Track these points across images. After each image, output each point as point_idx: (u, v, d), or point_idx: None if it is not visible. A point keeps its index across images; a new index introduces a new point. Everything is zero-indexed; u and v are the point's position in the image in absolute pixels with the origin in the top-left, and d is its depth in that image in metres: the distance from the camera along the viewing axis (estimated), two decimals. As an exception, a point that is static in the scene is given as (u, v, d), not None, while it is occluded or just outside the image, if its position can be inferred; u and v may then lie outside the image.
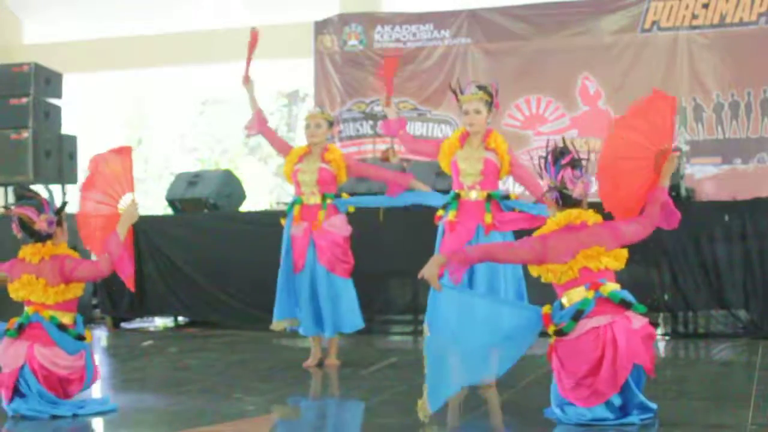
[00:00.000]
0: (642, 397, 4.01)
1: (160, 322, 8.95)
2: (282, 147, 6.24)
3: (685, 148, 10.16)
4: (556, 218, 4.14)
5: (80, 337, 4.52)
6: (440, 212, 5.34)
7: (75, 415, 4.46)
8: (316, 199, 6.00)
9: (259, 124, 6.15)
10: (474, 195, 5.21)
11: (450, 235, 5.22)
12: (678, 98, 10.58)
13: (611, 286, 4.04)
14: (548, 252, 4.06)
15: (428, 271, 3.98)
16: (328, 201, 6.00)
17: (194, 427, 4.23)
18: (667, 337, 7.22)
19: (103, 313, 8.81)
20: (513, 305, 4.54)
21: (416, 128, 11.54)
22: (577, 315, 4.00)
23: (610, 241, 4.08)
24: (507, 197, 5.27)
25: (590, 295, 4.01)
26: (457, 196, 5.25)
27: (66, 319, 4.52)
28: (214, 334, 7.94)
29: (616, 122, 4.32)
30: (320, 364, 6.08)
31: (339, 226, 6.00)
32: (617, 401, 3.98)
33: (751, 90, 10.43)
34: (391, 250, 7.32)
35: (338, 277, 5.97)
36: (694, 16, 10.63)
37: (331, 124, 6.14)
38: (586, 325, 3.98)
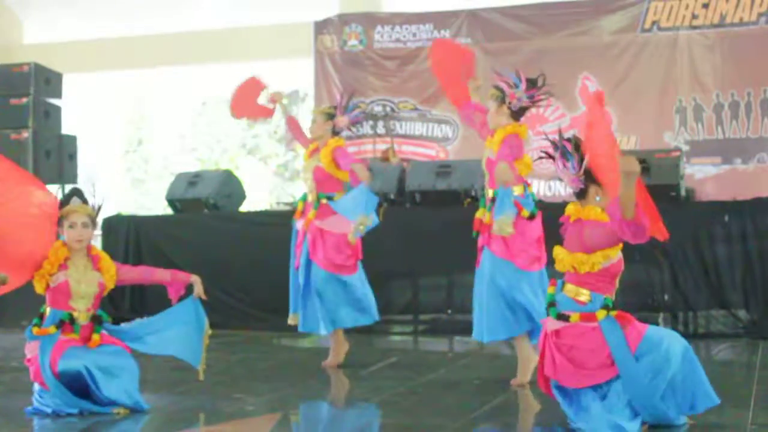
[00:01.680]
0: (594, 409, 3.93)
1: (160, 322, 8.93)
2: (306, 143, 6.27)
3: (685, 148, 10.16)
4: None
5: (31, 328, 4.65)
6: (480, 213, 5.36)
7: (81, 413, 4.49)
8: (313, 197, 6.02)
9: (294, 131, 6.23)
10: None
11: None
12: (678, 98, 10.64)
13: (566, 288, 4.07)
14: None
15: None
16: (322, 201, 5.98)
17: (194, 427, 4.23)
18: (667, 337, 7.21)
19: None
20: None
21: (416, 128, 11.55)
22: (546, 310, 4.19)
23: (573, 243, 4.06)
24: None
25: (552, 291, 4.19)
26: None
27: (46, 310, 4.68)
28: (214, 334, 7.90)
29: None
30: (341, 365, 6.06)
31: (334, 225, 5.93)
32: (564, 405, 4.06)
33: (751, 90, 10.43)
34: (391, 250, 7.31)
35: (331, 274, 5.91)
36: (694, 16, 10.64)
37: (329, 116, 6.05)
38: None
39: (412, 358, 6.80)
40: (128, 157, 20.74)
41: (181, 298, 4.91)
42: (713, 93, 10.53)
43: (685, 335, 7.14)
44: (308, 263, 5.96)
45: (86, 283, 4.67)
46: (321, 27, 11.94)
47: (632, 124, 10.71)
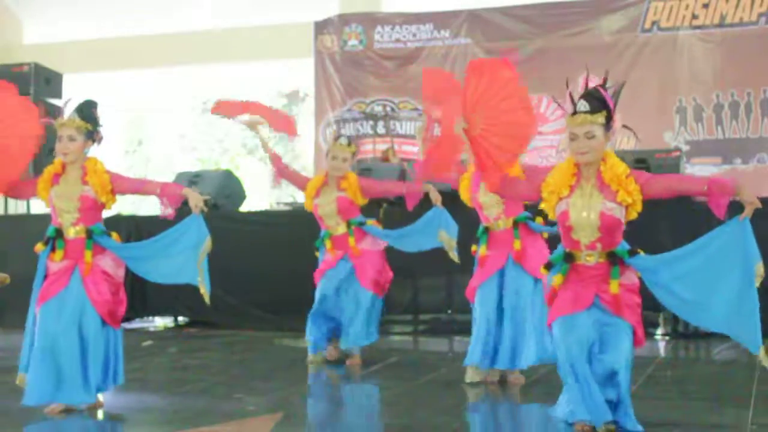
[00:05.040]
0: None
1: (160, 322, 8.94)
2: (301, 183, 6.22)
3: (685, 148, 10.16)
4: None
5: None
6: (474, 247, 5.37)
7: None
8: (342, 229, 6.07)
9: (279, 171, 6.16)
10: (501, 224, 5.22)
11: (481, 269, 5.27)
12: (678, 98, 10.65)
13: None
14: None
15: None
16: (353, 227, 6.06)
17: (194, 427, 4.23)
18: (667, 337, 7.21)
19: (104, 312, 8.79)
20: None
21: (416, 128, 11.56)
22: None
23: None
24: (532, 219, 5.25)
25: None
26: (486, 230, 5.27)
27: None
28: (214, 334, 7.93)
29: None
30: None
31: (372, 243, 6.11)
32: None
33: (751, 90, 10.44)
34: (392, 250, 7.32)
35: (374, 294, 6.07)
36: (694, 16, 10.65)
37: (354, 153, 6.15)
38: None
39: (412, 358, 6.80)
40: (128, 157, 20.73)
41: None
42: (713, 93, 10.53)
43: (686, 335, 7.23)
44: (357, 289, 6.04)
45: (66, 198, 4.57)
46: (321, 27, 11.95)
47: (632, 124, 10.60)
